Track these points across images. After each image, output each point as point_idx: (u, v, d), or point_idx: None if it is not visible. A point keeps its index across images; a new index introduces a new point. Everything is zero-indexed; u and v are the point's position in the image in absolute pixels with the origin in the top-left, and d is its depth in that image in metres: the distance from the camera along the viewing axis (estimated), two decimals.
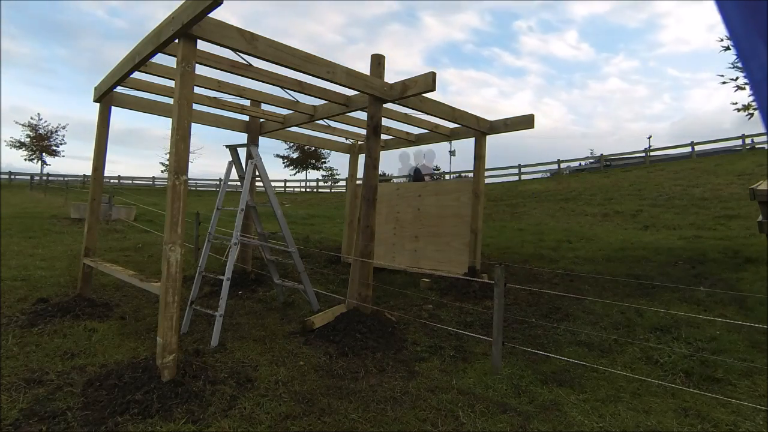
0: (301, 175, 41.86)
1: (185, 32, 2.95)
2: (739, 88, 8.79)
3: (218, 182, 34.87)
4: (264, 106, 5.84)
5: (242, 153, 4.79)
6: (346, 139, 7.26)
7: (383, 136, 6.42)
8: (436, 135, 6.64)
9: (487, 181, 10.33)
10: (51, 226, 10.87)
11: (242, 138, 6.54)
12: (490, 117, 5.30)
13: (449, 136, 6.64)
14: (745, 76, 0.66)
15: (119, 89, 4.72)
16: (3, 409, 2.51)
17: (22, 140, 36.71)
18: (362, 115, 5.54)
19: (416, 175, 8.71)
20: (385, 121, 5.47)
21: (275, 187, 27.22)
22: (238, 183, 4.90)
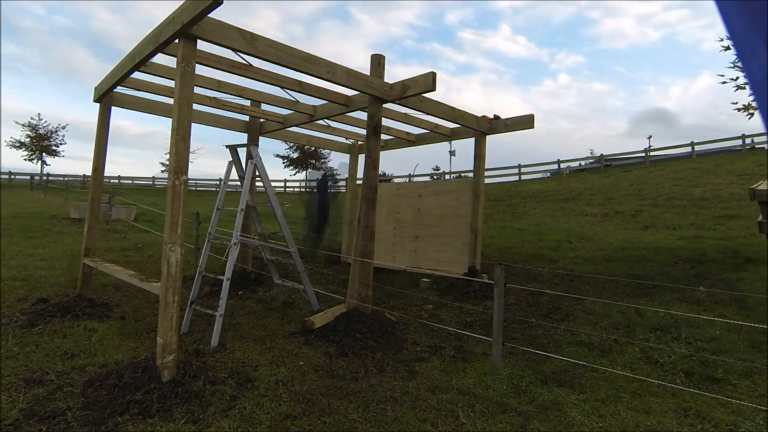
0: (301, 175, 41.87)
1: (185, 32, 2.95)
2: (739, 88, 8.78)
3: (218, 182, 34.87)
4: (264, 106, 5.84)
5: (242, 153, 4.80)
6: (346, 139, 7.26)
7: (383, 136, 6.42)
8: (436, 135, 6.64)
9: (487, 181, 10.34)
10: (51, 226, 10.87)
11: (242, 138, 6.54)
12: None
13: (449, 136, 6.64)
14: (745, 76, 0.66)
15: (119, 89, 4.72)
16: (3, 409, 2.51)
17: (22, 140, 36.71)
18: (362, 115, 5.54)
19: (320, 185, 8.73)
20: (385, 121, 5.47)
21: (275, 187, 27.20)
22: (238, 183, 4.90)
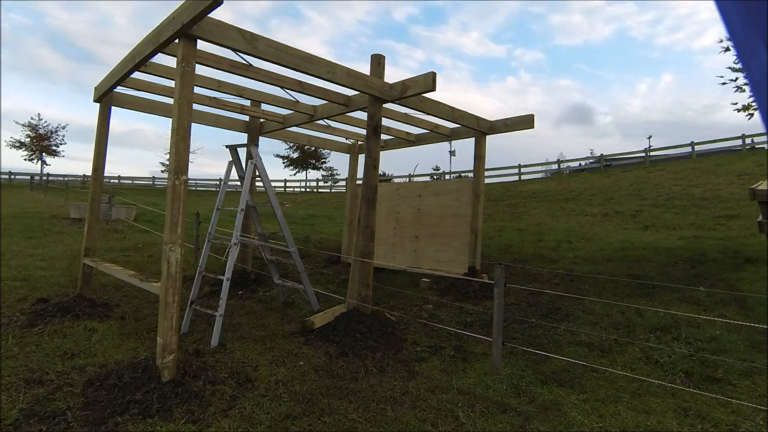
0: (301, 175, 41.90)
1: (185, 32, 2.95)
2: (739, 88, 8.78)
3: (218, 182, 34.87)
4: (264, 106, 5.84)
5: (242, 153, 4.80)
6: (346, 139, 7.26)
7: (383, 136, 6.42)
8: (436, 135, 6.64)
9: (487, 181, 10.33)
10: (51, 226, 10.87)
11: (242, 138, 6.54)
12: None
13: (449, 136, 6.64)
14: (745, 77, 0.66)
15: (119, 89, 4.72)
16: (3, 409, 2.51)
17: (22, 140, 36.73)
18: (362, 115, 5.54)
19: None
20: (385, 121, 5.47)
21: (275, 187, 27.25)
22: (238, 183, 4.90)
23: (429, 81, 4.15)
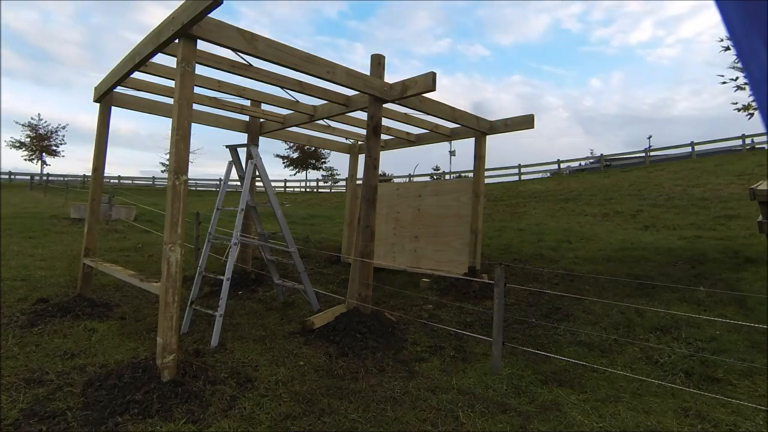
0: (301, 175, 41.89)
1: (185, 32, 2.95)
2: (739, 88, 8.78)
3: (218, 182, 34.88)
4: (264, 106, 5.84)
5: (242, 153, 4.80)
6: (346, 139, 7.26)
7: (383, 136, 6.42)
8: (436, 135, 6.64)
9: (487, 181, 10.33)
10: (51, 226, 10.87)
11: (242, 138, 6.54)
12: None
13: (449, 136, 6.64)
14: (745, 76, 0.66)
15: (119, 89, 4.72)
16: (3, 409, 2.51)
17: (22, 140, 36.74)
18: (362, 115, 5.54)
19: None
20: (385, 121, 5.47)
21: (275, 187, 27.25)
22: (238, 183, 4.90)
23: (429, 81, 4.15)
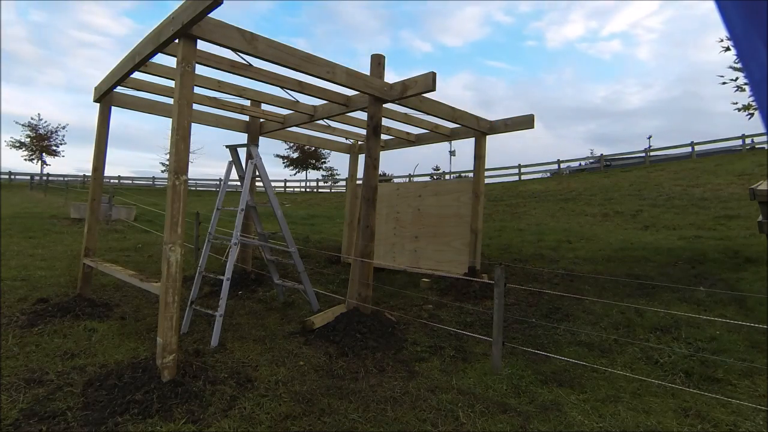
0: (301, 175, 41.91)
1: (185, 32, 2.95)
2: (739, 88, 8.77)
3: (218, 182, 34.88)
4: (264, 106, 5.84)
5: (242, 153, 4.80)
6: (346, 139, 7.26)
7: (383, 136, 6.42)
8: (436, 135, 6.64)
9: (487, 181, 10.33)
10: (51, 226, 10.87)
11: (242, 138, 6.54)
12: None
13: (449, 136, 6.64)
14: (745, 76, 0.66)
15: (119, 89, 4.72)
16: (3, 409, 2.51)
17: (22, 140, 36.75)
18: (362, 115, 5.54)
19: None
20: (385, 121, 5.47)
21: (275, 187, 27.24)
22: (238, 183, 4.90)
23: (429, 81, 4.15)
